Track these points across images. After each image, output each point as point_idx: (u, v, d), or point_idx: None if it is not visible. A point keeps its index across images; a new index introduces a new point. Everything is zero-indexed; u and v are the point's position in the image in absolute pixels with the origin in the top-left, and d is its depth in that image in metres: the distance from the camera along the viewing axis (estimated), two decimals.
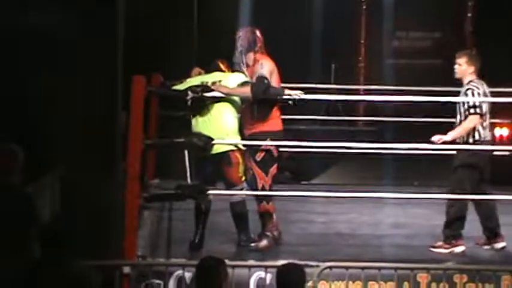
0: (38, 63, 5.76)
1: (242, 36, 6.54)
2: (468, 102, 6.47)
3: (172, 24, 9.95)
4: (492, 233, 6.64)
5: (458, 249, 6.53)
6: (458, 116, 6.59)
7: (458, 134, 6.53)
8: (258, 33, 6.56)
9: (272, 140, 6.41)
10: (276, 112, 6.49)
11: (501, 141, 9.95)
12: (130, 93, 5.91)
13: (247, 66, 6.49)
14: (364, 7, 13.35)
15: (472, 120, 6.48)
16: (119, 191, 5.80)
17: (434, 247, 6.56)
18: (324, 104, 10.88)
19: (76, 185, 5.66)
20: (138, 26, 7.68)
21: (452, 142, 6.50)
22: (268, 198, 6.47)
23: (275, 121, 6.49)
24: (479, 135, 6.54)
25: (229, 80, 6.43)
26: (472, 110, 6.48)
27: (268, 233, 6.52)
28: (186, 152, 7.61)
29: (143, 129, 6.03)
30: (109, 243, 5.67)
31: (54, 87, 5.72)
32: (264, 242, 6.48)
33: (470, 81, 6.59)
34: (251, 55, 6.49)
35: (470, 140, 6.54)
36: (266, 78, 6.35)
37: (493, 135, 7.14)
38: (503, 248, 6.62)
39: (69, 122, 5.73)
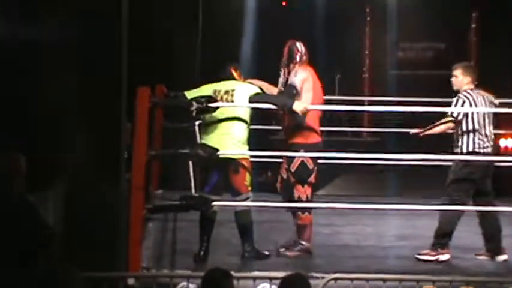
0: (41, 75, 5.76)
1: (285, 48, 6.73)
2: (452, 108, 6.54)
3: (176, 34, 9.98)
4: (494, 246, 6.62)
5: (443, 257, 6.56)
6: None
7: (430, 132, 6.63)
8: (299, 45, 6.73)
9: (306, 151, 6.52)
10: (310, 122, 6.56)
11: (506, 152, 9.93)
12: (134, 104, 5.91)
13: (285, 77, 6.63)
14: (368, 18, 13.38)
15: (445, 124, 6.56)
16: (124, 202, 5.79)
17: (420, 254, 6.56)
18: (328, 114, 10.87)
19: (80, 196, 5.65)
20: (141, 37, 7.69)
21: (451, 153, 6.53)
22: (304, 209, 6.54)
23: (308, 132, 6.57)
24: (474, 146, 6.54)
25: (241, 91, 6.44)
26: (448, 115, 6.54)
27: (303, 242, 6.59)
28: (190, 163, 7.61)
29: (148, 140, 6.03)
30: (113, 254, 5.66)
31: (59, 97, 5.72)
32: (293, 251, 6.58)
33: (464, 90, 6.63)
34: (291, 66, 6.64)
35: (465, 150, 6.54)
36: (295, 88, 6.44)
37: (497, 146, 7.14)
38: (505, 261, 6.60)
39: (73, 133, 5.72)
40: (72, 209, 5.60)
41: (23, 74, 5.78)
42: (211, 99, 6.31)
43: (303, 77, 6.57)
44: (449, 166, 6.89)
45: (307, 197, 6.59)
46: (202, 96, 6.34)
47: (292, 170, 6.58)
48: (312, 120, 6.59)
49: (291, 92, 6.50)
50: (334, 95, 11.59)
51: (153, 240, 6.94)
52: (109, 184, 5.69)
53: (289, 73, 6.64)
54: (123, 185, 5.82)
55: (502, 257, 6.60)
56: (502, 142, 9.89)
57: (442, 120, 6.61)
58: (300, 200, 6.56)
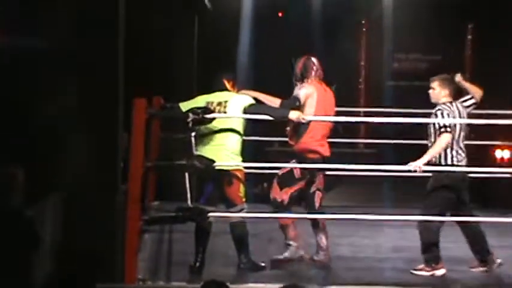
0: (39, 86, 5.76)
1: (300, 63, 6.79)
2: (439, 123, 6.50)
3: (173, 46, 9.98)
4: (483, 255, 6.63)
5: (439, 272, 6.54)
6: (430, 138, 6.60)
7: (431, 156, 6.52)
8: (313, 60, 6.81)
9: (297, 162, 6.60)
10: (311, 133, 6.61)
11: (502, 163, 9.95)
12: (131, 115, 5.91)
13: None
14: (364, 29, 13.40)
15: (444, 139, 6.48)
16: (120, 213, 5.78)
17: (416, 270, 6.56)
18: None
19: (77, 208, 5.64)
20: (138, 48, 7.70)
21: (427, 164, 6.49)
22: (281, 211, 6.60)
23: (306, 143, 6.62)
24: (452, 159, 6.54)
25: (234, 102, 6.44)
26: (442, 129, 6.49)
27: (291, 243, 6.64)
28: (186, 174, 7.59)
29: (144, 151, 6.03)
30: (109, 265, 5.65)
31: (56, 109, 5.72)
32: (286, 253, 6.63)
33: (443, 103, 6.63)
34: (306, 81, 6.70)
35: (443, 163, 6.54)
36: (298, 100, 6.52)
37: (494, 157, 7.14)
38: (500, 264, 6.60)
39: (70, 144, 5.72)
40: (69, 220, 5.59)
41: (21, 85, 5.79)
42: (207, 110, 6.31)
43: (307, 92, 6.61)
44: None
45: (282, 201, 6.62)
46: (198, 108, 6.34)
47: (279, 174, 6.66)
48: (315, 137, 6.61)
49: (292, 103, 6.53)
50: None
51: (149, 252, 6.92)
52: (105, 195, 5.69)
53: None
54: (120, 196, 5.82)
55: (494, 264, 6.60)
56: (498, 153, 9.91)
57: (440, 138, 6.53)
58: (274, 202, 6.62)
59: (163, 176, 8.09)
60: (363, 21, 13.37)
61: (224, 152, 6.37)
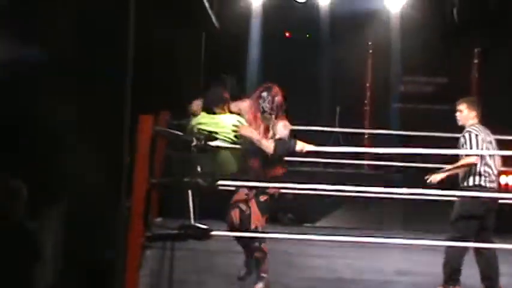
0: (43, 99, 5.77)
1: (276, 96, 6.57)
2: (465, 144, 6.46)
3: (180, 62, 10.01)
4: (492, 284, 6.57)
5: None
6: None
7: (451, 172, 6.49)
8: (278, 97, 6.59)
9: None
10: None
11: (506, 189, 9.92)
12: (136, 131, 5.91)
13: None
14: (370, 51, 13.42)
15: (468, 160, 6.44)
16: (122, 229, 5.77)
17: None
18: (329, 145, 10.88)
19: (79, 222, 5.63)
20: (146, 64, 7.71)
21: (454, 188, 6.46)
22: (263, 239, 6.45)
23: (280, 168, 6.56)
24: (480, 181, 6.50)
25: (224, 121, 6.44)
26: (465, 153, 6.46)
27: (264, 275, 6.48)
28: (189, 192, 7.60)
29: (148, 168, 6.02)
30: (110, 281, 5.63)
31: (61, 123, 5.73)
32: (260, 285, 6.44)
33: (471, 125, 6.59)
34: (279, 115, 6.54)
35: (471, 184, 6.49)
36: (288, 143, 6.38)
37: (498, 183, 7.09)
38: None
39: (74, 158, 5.72)
40: (71, 235, 5.58)
41: (24, 98, 5.79)
42: (210, 137, 6.32)
43: (289, 130, 6.52)
44: (450, 201, 6.87)
45: (262, 227, 6.50)
46: (201, 134, 6.36)
47: (261, 200, 6.48)
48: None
49: (286, 146, 6.42)
50: (334, 126, 11.62)
51: (150, 268, 6.91)
52: (108, 211, 5.68)
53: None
54: (123, 211, 5.81)
55: None
56: (503, 179, 9.88)
57: (463, 159, 6.49)
58: (256, 230, 6.44)
59: (167, 192, 8.10)
60: (370, 43, 13.39)
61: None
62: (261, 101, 6.57)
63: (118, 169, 5.76)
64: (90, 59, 5.70)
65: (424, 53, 12.40)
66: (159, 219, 8.28)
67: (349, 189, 6.82)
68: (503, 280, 6.65)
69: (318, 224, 10.39)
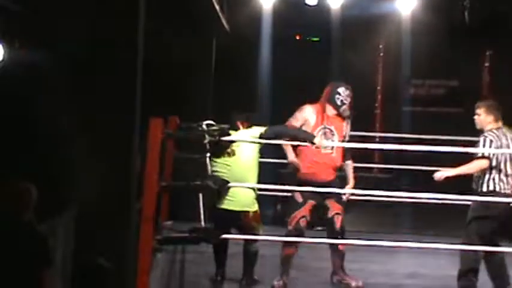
0: (53, 103, 5.78)
1: (344, 93, 6.88)
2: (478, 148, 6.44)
3: (190, 66, 10.02)
4: (503, 284, 6.53)
5: None
6: None
7: (460, 172, 6.44)
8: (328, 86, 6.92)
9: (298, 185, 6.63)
10: (306, 155, 6.68)
11: None
12: (147, 134, 5.92)
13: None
14: (381, 54, 13.41)
15: (477, 163, 6.39)
16: (133, 232, 5.77)
17: None
18: None
19: (89, 225, 5.64)
20: (156, 69, 7.73)
21: (469, 193, 6.42)
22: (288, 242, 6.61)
23: (303, 165, 6.71)
24: (494, 186, 6.45)
25: (245, 136, 6.50)
26: (479, 154, 6.41)
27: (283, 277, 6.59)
28: (200, 195, 7.60)
29: (159, 170, 6.03)
30: (121, 284, 5.63)
31: (71, 126, 5.73)
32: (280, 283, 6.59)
33: (489, 130, 6.54)
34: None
35: (485, 190, 6.45)
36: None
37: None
38: None
39: (84, 161, 5.72)
40: (81, 238, 5.59)
41: (34, 101, 5.80)
42: (223, 132, 6.32)
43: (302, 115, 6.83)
44: (460, 204, 6.84)
45: (290, 230, 6.65)
46: (214, 130, 6.36)
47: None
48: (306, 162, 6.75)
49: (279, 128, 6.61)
50: None
51: (161, 272, 6.91)
52: (119, 214, 5.68)
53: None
54: (133, 215, 5.81)
55: None
56: None
57: (473, 162, 6.46)
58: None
59: (177, 195, 8.10)
60: (381, 46, 13.37)
61: (252, 193, 6.44)
62: (337, 96, 6.69)
63: (128, 172, 5.77)
64: (100, 62, 5.70)
65: (435, 55, 12.37)
66: (169, 222, 8.28)
67: (360, 193, 6.83)
68: None
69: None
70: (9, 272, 4.39)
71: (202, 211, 7.15)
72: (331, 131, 6.75)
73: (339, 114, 6.81)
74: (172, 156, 7.64)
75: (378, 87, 13.37)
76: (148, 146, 5.86)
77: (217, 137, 6.20)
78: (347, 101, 6.80)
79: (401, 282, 7.08)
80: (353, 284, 6.80)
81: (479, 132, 6.60)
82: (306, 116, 6.75)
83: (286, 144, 6.71)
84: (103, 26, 5.76)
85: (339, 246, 6.73)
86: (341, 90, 6.82)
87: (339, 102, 6.79)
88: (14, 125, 5.70)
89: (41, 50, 5.87)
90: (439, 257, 7.77)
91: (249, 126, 6.69)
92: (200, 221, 7.18)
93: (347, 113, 6.82)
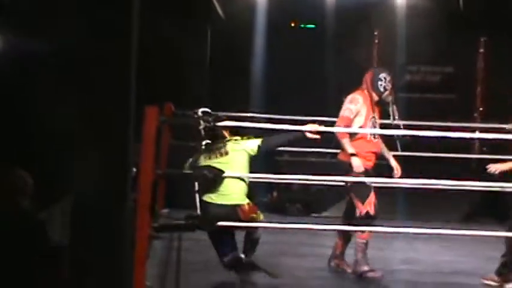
0: (49, 91, 5.79)
1: (387, 78, 6.92)
2: None
3: (185, 54, 10.01)
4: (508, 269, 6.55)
5: (509, 285, 6.45)
6: None
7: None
8: (369, 74, 6.97)
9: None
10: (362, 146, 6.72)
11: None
12: (142, 122, 5.93)
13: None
14: (376, 41, 13.40)
15: None
16: (129, 220, 5.79)
17: (485, 278, 6.49)
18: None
19: (86, 214, 5.65)
20: (151, 57, 7.73)
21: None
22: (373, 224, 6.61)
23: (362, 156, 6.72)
24: None
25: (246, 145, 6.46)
26: None
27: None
28: (196, 183, 7.62)
29: (154, 158, 6.04)
30: (118, 272, 5.66)
31: (65, 113, 5.74)
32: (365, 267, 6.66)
33: None
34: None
35: None
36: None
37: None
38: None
39: (80, 149, 5.74)
40: (78, 226, 5.61)
41: (29, 90, 5.81)
42: (218, 118, 6.32)
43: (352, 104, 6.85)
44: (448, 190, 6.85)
45: (368, 213, 6.66)
46: (210, 115, 6.36)
47: (349, 186, 6.74)
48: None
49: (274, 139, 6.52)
50: None
51: (157, 259, 6.94)
52: (115, 202, 5.70)
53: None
54: (129, 203, 5.83)
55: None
56: None
57: None
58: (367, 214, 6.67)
59: (173, 183, 8.12)
60: (376, 33, 13.37)
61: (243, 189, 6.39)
62: (380, 83, 6.70)
63: (124, 160, 5.78)
64: (93, 51, 5.70)
65: (430, 42, 12.37)
66: (165, 210, 8.31)
67: (356, 180, 6.84)
68: None
69: (325, 214, 10.41)
70: (5, 259, 4.41)
71: (198, 198, 7.17)
72: (375, 118, 6.80)
73: (379, 100, 6.82)
74: (168, 144, 7.66)
75: None
76: (143, 134, 5.87)
77: (212, 123, 6.21)
78: (389, 86, 6.81)
79: (395, 268, 7.11)
80: (349, 270, 6.84)
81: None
82: (360, 107, 6.73)
83: (344, 143, 6.66)
84: (96, 12, 5.76)
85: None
86: (383, 76, 6.82)
87: (382, 89, 6.81)
88: (8, 116, 5.71)
89: (33, 41, 5.87)
90: (430, 242, 7.83)
91: (235, 133, 6.59)
92: (196, 208, 7.20)
93: (389, 98, 6.83)
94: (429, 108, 12.22)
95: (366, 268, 6.65)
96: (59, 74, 5.77)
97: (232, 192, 6.36)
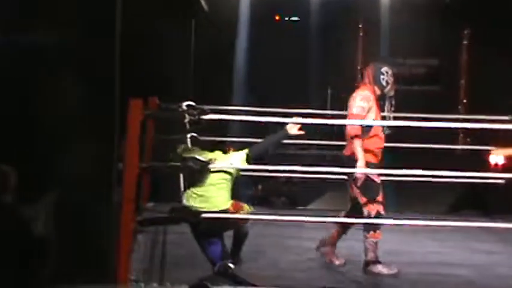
0: (34, 86, 5.75)
1: (388, 72, 6.82)
2: None
3: (169, 48, 9.98)
4: None
5: None
6: None
7: None
8: (370, 68, 6.85)
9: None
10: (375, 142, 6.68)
11: (496, 168, 9.94)
12: (126, 116, 5.90)
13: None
14: (361, 34, 13.42)
15: None
16: (114, 214, 5.77)
17: None
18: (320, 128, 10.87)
19: (70, 208, 5.63)
20: (135, 50, 7.69)
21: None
22: (374, 226, 6.52)
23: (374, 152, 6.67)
24: None
25: (232, 160, 6.39)
26: None
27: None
28: (181, 175, 7.59)
29: (139, 152, 6.02)
30: (102, 266, 5.64)
31: (51, 109, 5.71)
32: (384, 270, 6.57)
33: None
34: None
35: None
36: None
37: (487, 163, 7.11)
38: None
39: (65, 143, 5.71)
40: (62, 221, 5.58)
41: (15, 85, 5.77)
42: (203, 111, 6.29)
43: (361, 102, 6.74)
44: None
45: (378, 212, 6.57)
46: (194, 109, 6.32)
47: (358, 185, 6.61)
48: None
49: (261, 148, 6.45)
50: (326, 109, 11.62)
51: (142, 253, 6.91)
52: (100, 196, 5.68)
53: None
54: (114, 197, 5.81)
55: None
56: (492, 158, 9.90)
57: None
58: (369, 217, 6.57)
59: (158, 177, 8.09)
60: (360, 26, 13.38)
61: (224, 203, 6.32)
62: (382, 77, 6.63)
63: (108, 154, 5.76)
64: (78, 46, 5.68)
65: (415, 34, 12.40)
66: (150, 204, 8.27)
67: (341, 171, 6.83)
68: (495, 258, 6.68)
69: (310, 207, 10.41)
70: None
71: (183, 190, 7.15)
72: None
73: (381, 95, 6.77)
74: (153, 137, 7.63)
75: (358, 67, 13.38)
76: (128, 127, 5.85)
77: (197, 116, 6.18)
78: (391, 80, 6.75)
79: (383, 259, 7.11)
80: (337, 262, 6.82)
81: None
82: (371, 104, 6.69)
83: (356, 146, 6.59)
84: (80, 8, 5.73)
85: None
86: (385, 70, 6.74)
87: (384, 83, 6.72)
88: None
89: (22, 32, 5.84)
90: (417, 234, 7.84)
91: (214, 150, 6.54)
92: (180, 201, 7.18)
93: (391, 93, 6.77)
94: (414, 101, 12.24)
95: (380, 267, 6.59)
96: (42, 70, 5.74)
97: (215, 197, 6.27)
